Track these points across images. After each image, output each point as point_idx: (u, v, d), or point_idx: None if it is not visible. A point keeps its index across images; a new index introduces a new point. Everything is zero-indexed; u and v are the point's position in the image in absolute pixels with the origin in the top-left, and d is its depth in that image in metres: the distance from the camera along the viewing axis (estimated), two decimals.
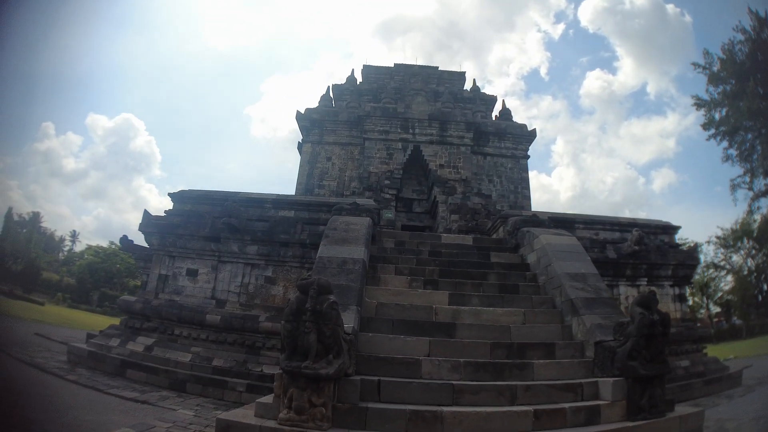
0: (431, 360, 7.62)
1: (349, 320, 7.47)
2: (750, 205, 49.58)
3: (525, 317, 9.56)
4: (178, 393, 11.43)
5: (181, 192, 15.72)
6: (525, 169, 26.28)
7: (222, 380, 11.61)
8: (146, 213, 14.57)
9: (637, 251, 14.28)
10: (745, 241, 58.26)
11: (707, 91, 38.32)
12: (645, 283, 14.90)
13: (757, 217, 50.56)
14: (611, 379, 7.52)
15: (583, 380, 7.85)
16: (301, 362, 6.09)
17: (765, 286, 59.59)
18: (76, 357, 13.38)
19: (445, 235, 14.89)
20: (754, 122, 36.11)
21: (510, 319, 9.41)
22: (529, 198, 25.21)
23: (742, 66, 35.81)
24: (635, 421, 7.21)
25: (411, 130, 24.28)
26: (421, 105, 25.17)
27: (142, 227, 14.39)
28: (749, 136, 37.99)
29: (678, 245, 16.65)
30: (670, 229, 16.90)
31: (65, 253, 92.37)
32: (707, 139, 39.30)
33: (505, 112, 27.90)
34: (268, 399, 6.69)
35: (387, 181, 23.01)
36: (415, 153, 24.19)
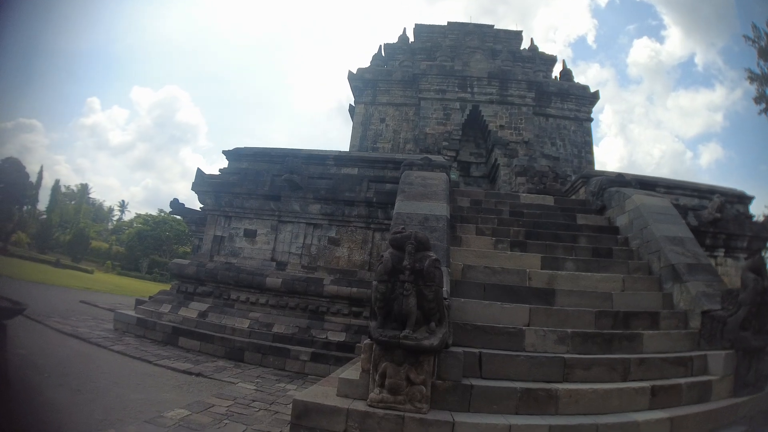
0: (535, 330, 6.83)
1: None
2: None
3: (624, 284, 8.71)
4: (235, 363, 10.77)
5: (237, 149, 14.93)
6: (588, 133, 25.22)
7: (283, 348, 10.95)
8: (199, 171, 13.79)
9: (717, 219, 13.19)
10: None
11: (758, 65, 37.34)
12: (722, 254, 13.79)
13: None
14: (722, 352, 6.86)
15: (692, 353, 7.15)
16: (397, 331, 5.30)
17: None
18: (123, 325, 12.74)
19: (523, 195, 13.94)
20: None
21: (609, 286, 8.58)
22: (592, 163, 24.15)
23: None
24: (742, 396, 6.69)
25: (469, 89, 23.27)
26: (479, 63, 24.03)
27: (196, 186, 13.65)
28: None
29: (752, 216, 15.46)
30: (746, 199, 15.69)
31: (114, 222, 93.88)
32: (759, 113, 38.52)
33: (566, 73, 26.73)
34: (352, 374, 5.90)
35: (445, 143, 22.08)
36: (473, 113, 23.20)
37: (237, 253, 13.32)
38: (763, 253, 15.38)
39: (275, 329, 11.55)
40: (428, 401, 5.35)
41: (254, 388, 8.60)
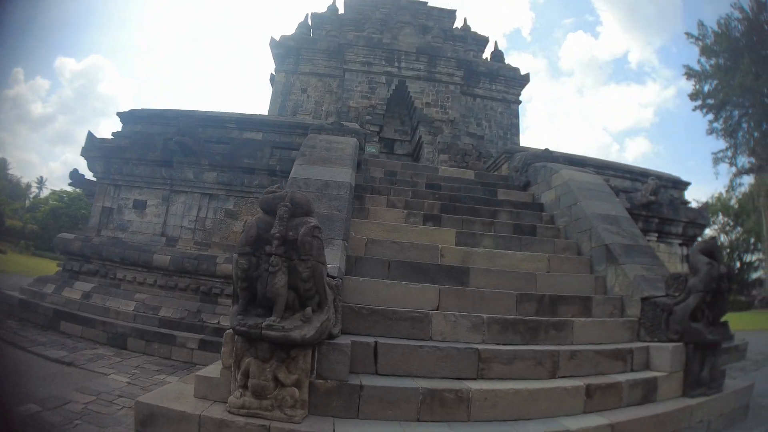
0: (444, 315, 5.64)
1: (333, 259, 5.44)
2: (731, 181, 50.69)
3: (549, 264, 7.69)
4: (117, 350, 9.35)
5: (132, 111, 13.07)
6: (516, 115, 24.50)
7: (170, 335, 9.45)
8: (90, 135, 11.98)
9: (651, 202, 12.48)
10: (721, 216, 59.41)
11: (699, 62, 38.88)
12: (655, 239, 13.21)
13: (738, 194, 51.40)
14: (669, 345, 5.90)
15: (632, 345, 6.16)
16: (262, 318, 4.06)
17: (737, 264, 60.69)
18: (7, 307, 11.00)
19: (442, 167, 12.82)
20: (743, 99, 36.33)
21: (533, 266, 7.53)
22: (518, 145, 23.30)
23: (736, 42, 35.90)
24: (695, 397, 5.70)
25: (396, 64, 22.00)
26: (409, 37, 22.81)
27: (85, 152, 11.85)
28: (736, 112, 38.37)
29: (687, 202, 14.92)
30: (681, 185, 15.12)
31: (30, 200, 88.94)
32: (693, 110, 41.04)
33: (498, 54, 25.89)
34: (213, 371, 4.60)
35: (369, 117, 20.78)
36: (399, 89, 22.02)
37: (125, 227, 11.66)
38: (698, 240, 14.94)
39: (162, 313, 10.09)
40: (305, 406, 4.15)
41: (127, 380, 7.38)
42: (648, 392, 5.47)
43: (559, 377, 5.34)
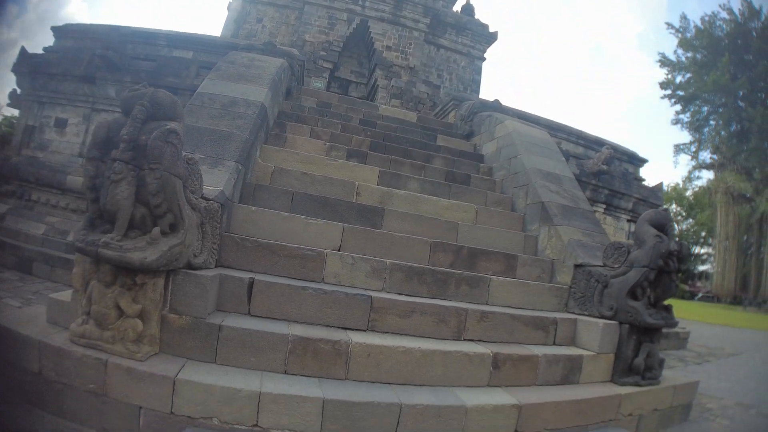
0: (341, 256, 4.94)
1: (217, 180, 4.67)
2: (690, 174, 51.89)
3: (477, 215, 7.05)
4: (22, 275, 8.76)
5: (66, 25, 12.12)
6: (479, 72, 23.97)
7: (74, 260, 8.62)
8: (23, 50, 11.03)
9: (603, 172, 11.96)
10: (674, 205, 61.01)
11: (675, 52, 40.88)
12: (602, 210, 12.80)
13: (695, 186, 52.67)
14: (600, 321, 5.20)
15: (557, 315, 5.48)
16: (105, 235, 3.33)
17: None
18: None
19: (384, 106, 12.05)
20: (714, 97, 37.12)
21: (458, 215, 6.89)
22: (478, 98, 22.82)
23: (718, 41, 36.53)
24: (624, 385, 5.02)
25: (360, 2, 21.00)
26: None
27: (15, 68, 10.92)
28: (705, 108, 39.61)
29: (642, 179, 14.49)
30: (637, 160, 14.70)
31: None
32: (661, 98, 41.16)
33: (468, 8, 25.14)
34: (67, 295, 3.89)
35: (323, 52, 19.85)
36: (360, 28, 21.10)
37: (45, 146, 10.75)
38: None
39: (70, 237, 9.21)
40: (154, 343, 3.54)
41: (19, 305, 6.70)
42: (570, 372, 4.84)
43: (466, 340, 4.71)
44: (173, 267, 3.53)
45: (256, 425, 3.29)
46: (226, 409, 3.25)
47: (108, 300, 3.38)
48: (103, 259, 3.26)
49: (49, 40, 11.75)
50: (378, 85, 20.22)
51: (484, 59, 24.12)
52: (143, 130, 3.30)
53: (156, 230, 3.34)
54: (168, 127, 3.29)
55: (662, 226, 5.39)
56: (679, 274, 5.57)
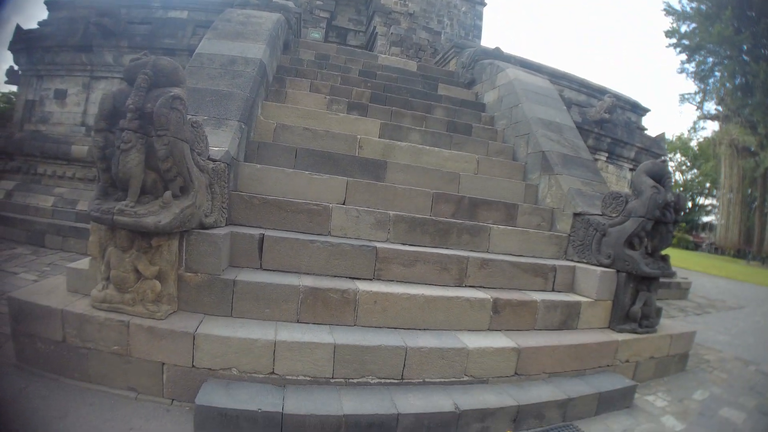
0: (346, 210, 5.10)
1: (221, 141, 4.78)
2: (695, 124, 51.36)
3: (478, 165, 7.15)
4: (34, 248, 8.87)
5: None
6: (480, 17, 23.47)
7: (86, 229, 8.68)
8: (18, 27, 10.97)
9: (605, 120, 11.96)
10: (679, 155, 60.49)
11: (680, 2, 39.29)
12: (605, 158, 12.86)
13: (699, 137, 52.17)
14: (598, 269, 5.37)
15: (556, 262, 5.66)
16: (119, 203, 3.47)
17: (689, 204, 62.18)
18: None
19: (383, 56, 11.93)
20: (719, 48, 36.19)
21: (459, 166, 7.01)
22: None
23: None
24: (621, 332, 5.23)
25: None
26: None
27: (12, 45, 10.91)
28: (710, 59, 38.54)
29: (644, 128, 14.46)
30: (639, 109, 14.58)
31: None
32: (666, 47, 40.56)
33: None
34: (85, 263, 4.04)
35: (319, 2, 19.49)
36: None
37: (46, 119, 10.77)
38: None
39: (79, 206, 9.48)
40: (172, 301, 3.72)
41: (35, 278, 6.84)
42: (568, 318, 5.05)
43: (467, 287, 4.92)
44: (186, 228, 3.68)
45: (273, 372, 3.51)
46: (244, 359, 3.47)
47: (126, 264, 3.56)
48: (119, 225, 3.41)
49: (43, 14, 11.63)
50: (377, 33, 19.83)
51: (485, 4, 23.64)
52: (148, 98, 3.40)
53: (168, 194, 3.48)
54: (172, 93, 3.39)
55: (660, 177, 5.48)
56: (683, 225, 5.68)
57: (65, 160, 10.13)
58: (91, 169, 9.89)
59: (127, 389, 3.48)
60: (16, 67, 11.27)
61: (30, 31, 11.01)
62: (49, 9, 11.67)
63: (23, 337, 3.59)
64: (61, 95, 10.79)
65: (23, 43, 10.77)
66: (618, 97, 13.38)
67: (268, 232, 4.47)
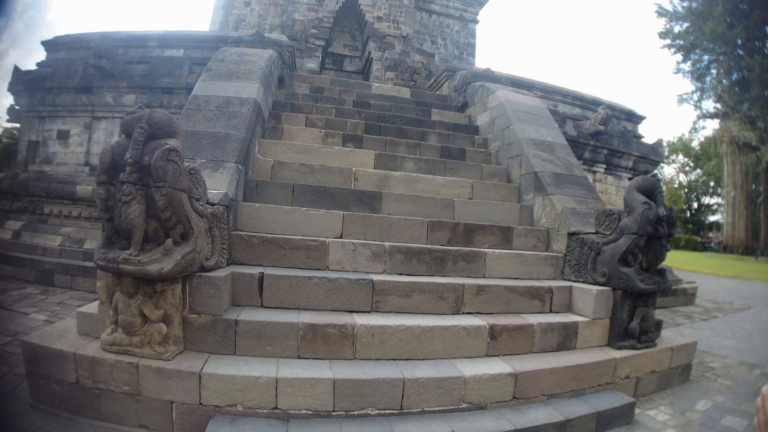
0: (342, 244, 5.22)
1: (219, 184, 4.95)
2: (695, 124, 51.72)
3: (473, 190, 7.30)
4: (44, 287, 9.00)
5: (56, 38, 12.23)
6: (473, 35, 23.73)
7: (94, 268, 8.81)
8: (16, 69, 11.21)
9: (601, 132, 12.09)
10: (681, 156, 60.52)
11: (671, 2, 39.40)
12: (603, 170, 12.98)
13: (700, 136, 52.42)
14: (594, 288, 5.45)
15: (552, 283, 5.75)
16: (123, 251, 3.66)
17: (695, 204, 62.01)
18: None
19: (377, 84, 12.12)
20: (714, 46, 36.52)
21: (454, 192, 7.17)
22: (473, 66, 22.61)
23: None
24: (620, 349, 5.29)
25: None
26: None
27: (11, 86, 11.10)
28: (706, 57, 38.99)
29: (641, 136, 14.61)
30: (635, 117, 14.77)
31: None
32: (661, 48, 41.02)
33: None
34: (93, 307, 4.23)
35: (314, 30, 19.67)
36: (350, 1, 20.81)
37: (51, 160, 11.01)
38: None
39: (87, 245, 9.66)
40: (179, 342, 3.88)
41: (46, 318, 7.02)
42: (565, 339, 5.12)
43: (464, 314, 5.03)
44: (188, 272, 3.84)
45: (276, 407, 3.64)
46: (249, 395, 3.60)
47: (133, 309, 3.74)
48: (125, 273, 3.59)
49: (35, 46, 11.87)
50: (372, 58, 20.08)
51: (478, 21, 23.89)
52: (145, 150, 3.57)
53: (169, 242, 3.65)
54: (168, 146, 3.56)
55: (651, 192, 5.58)
56: (689, 226, 5.73)
57: (70, 199, 10.28)
58: (96, 208, 9.97)
59: (139, 427, 3.62)
60: (17, 107, 11.47)
61: (29, 72, 11.26)
62: (46, 49, 12.00)
63: (38, 378, 3.76)
64: (63, 136, 10.99)
65: (23, 84, 10.99)
66: (612, 108, 13.54)
67: (268, 270, 4.61)
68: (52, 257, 9.61)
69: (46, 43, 12.05)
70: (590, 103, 13.71)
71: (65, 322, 4.54)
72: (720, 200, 56.81)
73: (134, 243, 3.61)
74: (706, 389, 5.72)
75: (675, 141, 62.55)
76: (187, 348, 3.94)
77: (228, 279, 4.24)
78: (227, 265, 4.63)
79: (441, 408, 4.01)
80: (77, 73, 10.57)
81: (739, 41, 34.95)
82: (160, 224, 3.71)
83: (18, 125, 12.79)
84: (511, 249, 6.26)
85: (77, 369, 3.65)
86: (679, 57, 39.53)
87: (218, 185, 4.87)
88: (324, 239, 5.20)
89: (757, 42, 35.49)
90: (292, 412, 3.66)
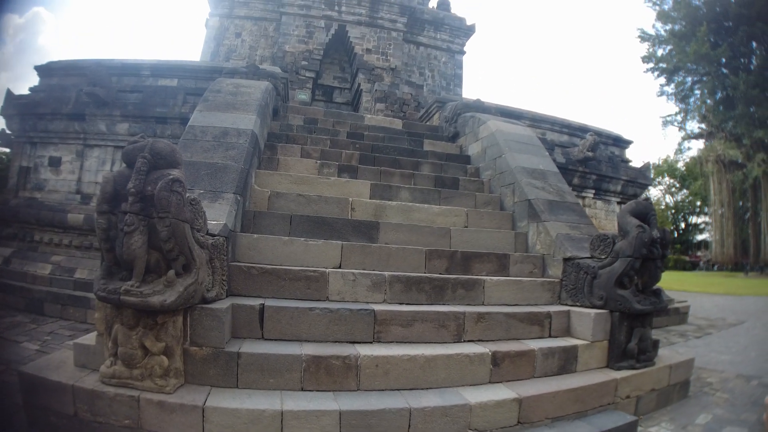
0: (342, 274, 5.21)
1: (218, 214, 4.95)
2: (680, 145, 52.56)
3: (468, 219, 7.35)
4: (34, 316, 8.95)
5: (49, 63, 12.18)
6: (460, 66, 24.09)
7: (84, 297, 8.91)
8: (9, 93, 11.19)
9: (589, 158, 12.22)
10: (667, 177, 61.12)
11: (653, 26, 40.92)
12: (592, 195, 13.11)
13: (685, 157, 53.03)
14: (592, 311, 5.48)
15: (550, 308, 5.77)
16: (124, 282, 3.61)
17: (682, 224, 62.50)
18: None
19: (369, 116, 12.26)
20: (697, 66, 37.11)
21: (450, 221, 7.19)
22: (461, 96, 22.90)
23: (696, 10, 36.44)
24: (620, 369, 5.30)
25: (336, 8, 21.04)
26: None
27: (3, 111, 11.07)
28: (689, 79, 39.70)
29: (629, 161, 14.79)
30: (622, 142, 14.96)
31: None
32: (644, 72, 42.05)
33: (444, 4, 25.29)
34: (91, 338, 4.17)
35: (304, 62, 19.92)
36: (339, 34, 21.20)
37: (42, 187, 10.93)
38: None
39: (77, 275, 9.58)
40: (180, 375, 3.81)
41: (37, 348, 6.99)
42: (566, 362, 5.13)
43: (466, 341, 5.01)
44: (190, 304, 3.81)
45: None
46: (253, 429, 3.53)
47: (133, 341, 3.67)
48: (126, 305, 3.55)
49: (26, 70, 11.86)
50: (362, 90, 20.32)
51: (464, 53, 24.28)
52: (148, 180, 3.56)
53: (171, 273, 3.62)
54: (171, 176, 3.56)
55: (644, 215, 5.66)
56: (677, 246, 5.76)
57: (61, 227, 10.23)
58: (87, 237, 9.99)
59: None
60: (8, 131, 11.44)
61: (22, 96, 11.25)
62: (39, 75, 11.98)
63: (35, 410, 3.71)
64: (55, 163, 10.96)
65: (15, 108, 10.96)
66: (600, 134, 13.66)
67: (268, 302, 4.58)
68: (43, 285, 9.53)
69: (39, 68, 12.03)
70: (577, 130, 13.86)
71: (61, 353, 4.49)
72: (707, 219, 57.26)
73: (136, 274, 3.58)
74: (705, 403, 5.75)
75: (660, 163, 63.15)
76: (188, 381, 3.87)
77: (229, 311, 4.20)
78: (227, 296, 4.60)
79: None
80: (70, 99, 10.59)
81: (723, 60, 35.54)
82: (162, 255, 3.69)
83: (8, 150, 12.76)
84: (509, 276, 6.28)
85: (75, 402, 3.58)
86: (662, 80, 40.18)
87: (217, 216, 4.86)
88: (324, 269, 5.19)
89: (743, 59, 36.10)
90: None
